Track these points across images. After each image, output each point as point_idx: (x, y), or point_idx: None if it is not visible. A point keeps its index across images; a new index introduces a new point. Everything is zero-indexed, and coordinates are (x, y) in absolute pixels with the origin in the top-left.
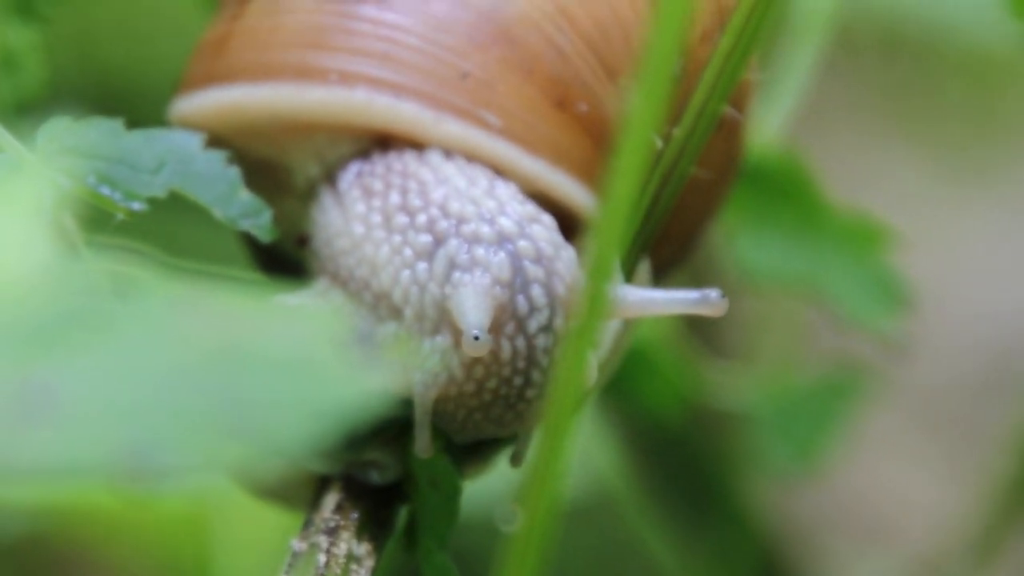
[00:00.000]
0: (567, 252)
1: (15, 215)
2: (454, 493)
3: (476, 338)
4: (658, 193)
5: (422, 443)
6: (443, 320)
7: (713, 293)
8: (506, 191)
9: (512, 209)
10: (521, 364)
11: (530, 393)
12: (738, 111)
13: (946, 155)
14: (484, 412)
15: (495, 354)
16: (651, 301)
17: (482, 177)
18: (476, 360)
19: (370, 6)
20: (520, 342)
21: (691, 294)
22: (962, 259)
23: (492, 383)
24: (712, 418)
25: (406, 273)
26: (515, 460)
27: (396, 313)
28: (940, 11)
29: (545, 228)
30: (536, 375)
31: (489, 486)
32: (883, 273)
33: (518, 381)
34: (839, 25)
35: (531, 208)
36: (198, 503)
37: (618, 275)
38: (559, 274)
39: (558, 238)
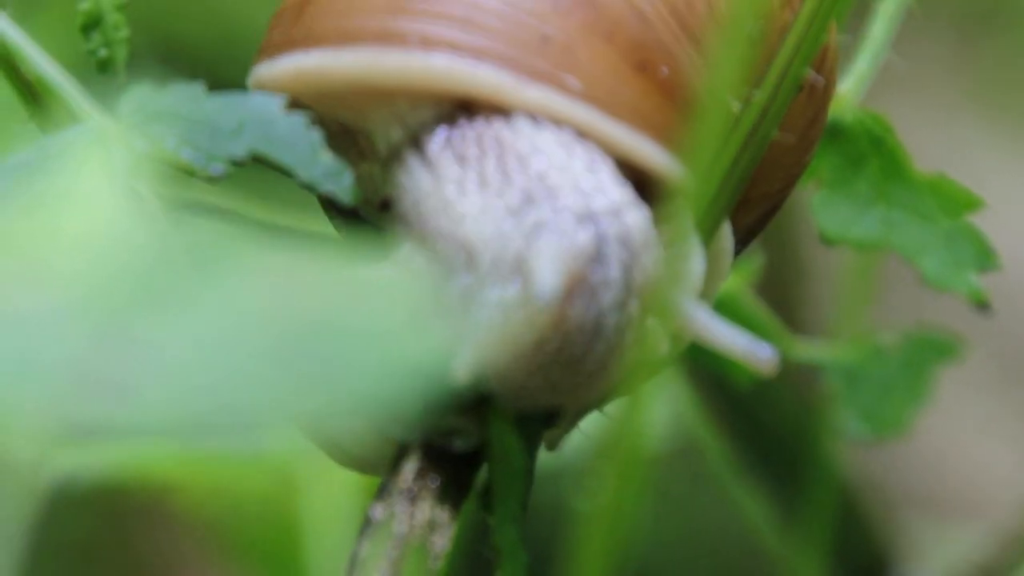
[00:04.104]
0: (654, 249)
1: (97, 183)
2: (522, 471)
3: (545, 299)
4: (738, 157)
5: (463, 364)
6: (517, 272)
7: (768, 351)
8: (606, 172)
9: (612, 191)
10: (587, 331)
11: (589, 364)
12: (820, 75)
13: (1022, 120)
14: (542, 375)
15: (562, 318)
16: (714, 328)
17: (582, 153)
18: (540, 319)
19: None
20: (591, 311)
21: (749, 342)
22: None
23: (553, 344)
24: (792, 375)
25: (491, 225)
26: (551, 444)
27: (472, 259)
28: None
29: (639, 218)
30: (600, 347)
31: (568, 441)
32: (964, 233)
33: (580, 347)
34: None
35: (629, 195)
36: (278, 471)
37: (697, 244)
38: (641, 264)
39: (650, 233)
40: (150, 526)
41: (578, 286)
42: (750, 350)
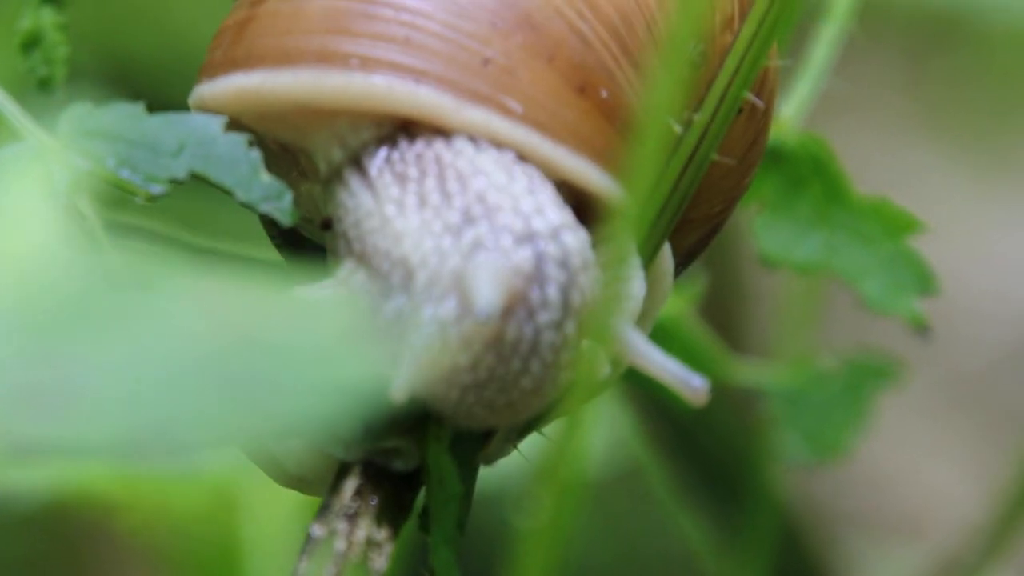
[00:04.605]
0: (593, 271)
1: (33, 201)
2: (457, 493)
3: (484, 315)
4: (679, 179)
5: (400, 384)
6: (454, 289)
7: (699, 381)
8: (545, 194)
9: (551, 213)
10: (524, 350)
11: (525, 383)
12: (760, 97)
13: (970, 142)
14: (478, 393)
15: (499, 334)
16: (649, 355)
17: (522, 175)
18: (477, 334)
19: None
20: (528, 330)
21: (682, 371)
22: (983, 247)
23: (489, 360)
24: (733, 399)
25: (429, 242)
26: (484, 459)
27: (408, 277)
28: None
29: (578, 240)
30: (536, 366)
31: (505, 462)
32: (906, 257)
33: (516, 365)
34: (864, 10)
35: (569, 217)
36: (220, 490)
37: (637, 265)
38: (579, 286)
39: (588, 255)
40: (93, 545)
41: (516, 303)
42: (682, 378)
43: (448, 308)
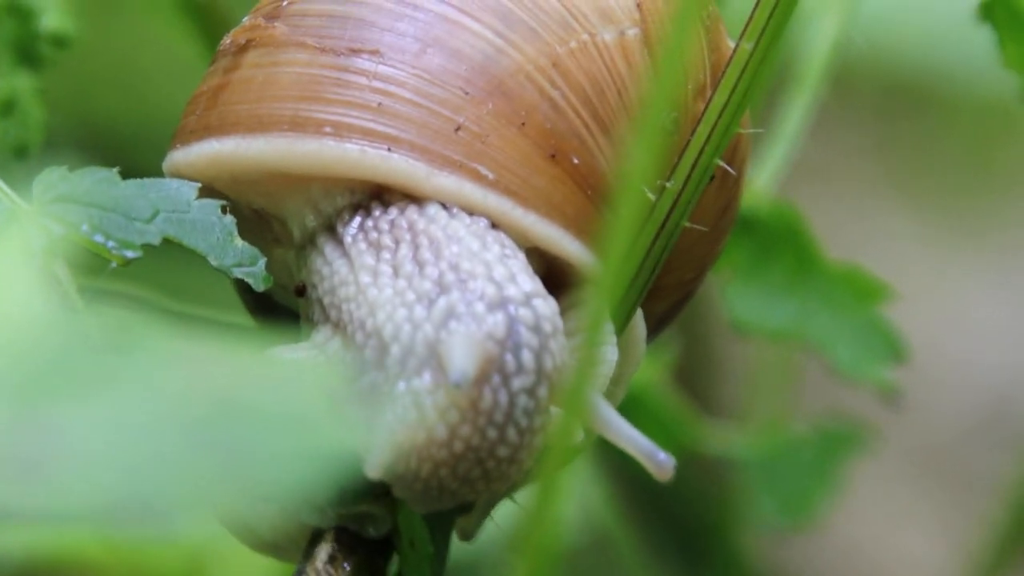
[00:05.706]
0: (563, 338)
1: (7, 265)
2: (429, 559)
3: (459, 384)
4: (651, 246)
5: (375, 462)
6: (429, 361)
7: (665, 456)
8: (518, 263)
9: (522, 280)
10: (499, 418)
11: (502, 451)
12: (732, 165)
13: (940, 209)
14: (451, 468)
15: (474, 402)
16: (616, 427)
17: (495, 243)
18: (452, 406)
19: (364, 59)
20: (502, 396)
21: (650, 446)
22: (953, 314)
23: (465, 431)
24: (705, 466)
25: (403, 312)
26: (464, 534)
27: (383, 351)
28: (938, 63)
29: (549, 307)
30: (512, 434)
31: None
32: (876, 325)
33: (492, 434)
34: (834, 79)
35: (540, 286)
36: (196, 552)
37: (610, 332)
38: (550, 351)
39: (558, 322)
40: None
41: (491, 369)
42: (649, 453)
43: (424, 380)
